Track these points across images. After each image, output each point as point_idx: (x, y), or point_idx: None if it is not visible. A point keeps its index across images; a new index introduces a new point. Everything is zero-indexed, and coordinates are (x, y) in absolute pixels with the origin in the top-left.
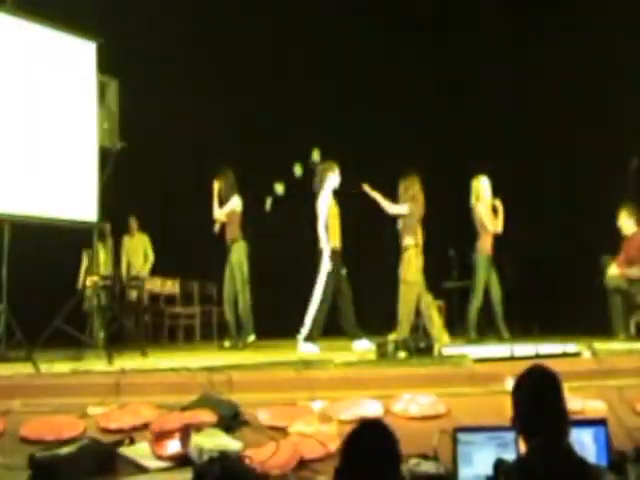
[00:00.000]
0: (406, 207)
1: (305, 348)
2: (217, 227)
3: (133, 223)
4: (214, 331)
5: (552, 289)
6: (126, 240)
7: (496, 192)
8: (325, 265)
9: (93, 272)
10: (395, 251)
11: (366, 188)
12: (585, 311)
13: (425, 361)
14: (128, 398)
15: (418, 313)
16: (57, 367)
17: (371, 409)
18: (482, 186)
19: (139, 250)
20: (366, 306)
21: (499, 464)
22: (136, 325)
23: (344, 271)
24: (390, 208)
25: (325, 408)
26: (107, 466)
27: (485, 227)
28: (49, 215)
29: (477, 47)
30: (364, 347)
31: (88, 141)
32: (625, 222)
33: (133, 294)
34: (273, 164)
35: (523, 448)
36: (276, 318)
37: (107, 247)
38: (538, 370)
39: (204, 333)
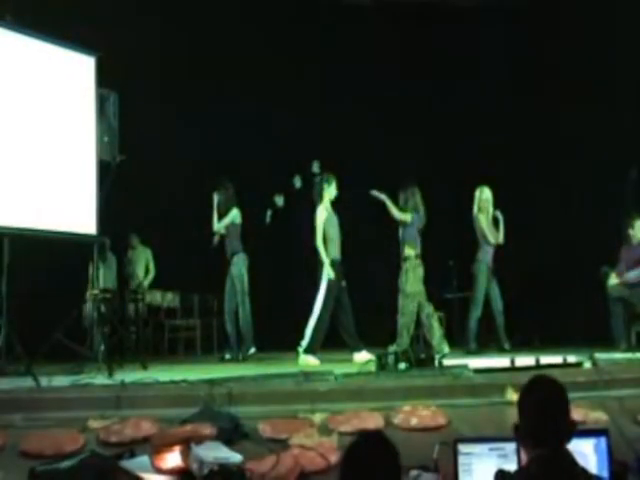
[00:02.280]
0: (409, 216)
1: (305, 360)
2: (216, 239)
3: (134, 239)
4: (214, 344)
5: (553, 300)
6: (129, 254)
7: (496, 203)
8: (325, 277)
9: (93, 285)
10: (395, 262)
11: (374, 192)
12: (586, 321)
13: (425, 372)
14: (128, 411)
15: (419, 324)
16: (57, 381)
17: (371, 421)
18: (484, 197)
19: (141, 263)
20: (367, 317)
21: (500, 475)
22: (136, 338)
23: (344, 282)
24: (396, 214)
25: (325, 420)
26: None
27: (486, 238)
28: (49, 229)
29: (479, 56)
30: (364, 358)
31: (87, 154)
32: (637, 231)
33: (133, 307)
34: (273, 176)
35: (524, 458)
36: (276, 330)
37: (107, 261)
38: (544, 380)
39: (204, 346)
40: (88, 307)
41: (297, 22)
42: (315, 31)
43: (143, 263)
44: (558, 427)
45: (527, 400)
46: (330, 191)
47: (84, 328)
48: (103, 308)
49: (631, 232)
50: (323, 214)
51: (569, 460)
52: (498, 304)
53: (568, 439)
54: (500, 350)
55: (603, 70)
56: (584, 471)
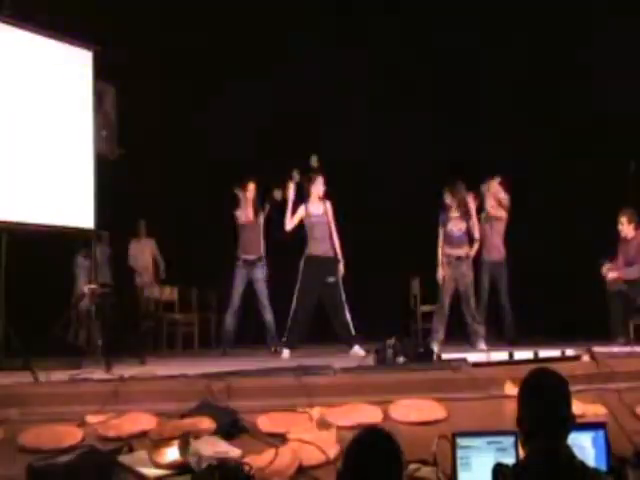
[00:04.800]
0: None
1: (283, 353)
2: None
3: (142, 227)
4: (212, 338)
5: (551, 293)
6: (133, 244)
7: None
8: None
9: (91, 280)
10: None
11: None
12: (584, 315)
13: (424, 366)
14: (127, 406)
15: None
16: (55, 375)
17: (370, 415)
18: (485, 190)
19: (145, 254)
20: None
21: (498, 468)
22: (135, 332)
23: (331, 279)
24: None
25: (324, 414)
26: (106, 474)
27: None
28: (47, 223)
29: (477, 52)
30: (358, 354)
31: (85, 148)
32: (625, 226)
33: (131, 302)
34: (271, 170)
35: (523, 452)
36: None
37: (104, 255)
38: (546, 372)
39: (202, 340)
40: (86, 301)
41: (297, 18)
42: (315, 30)
43: (147, 256)
44: (558, 420)
45: (527, 392)
46: (312, 188)
47: (82, 323)
48: (101, 302)
49: (620, 227)
50: (301, 211)
51: (567, 453)
52: (502, 298)
53: (568, 433)
54: (509, 342)
55: (606, 63)
56: (582, 464)
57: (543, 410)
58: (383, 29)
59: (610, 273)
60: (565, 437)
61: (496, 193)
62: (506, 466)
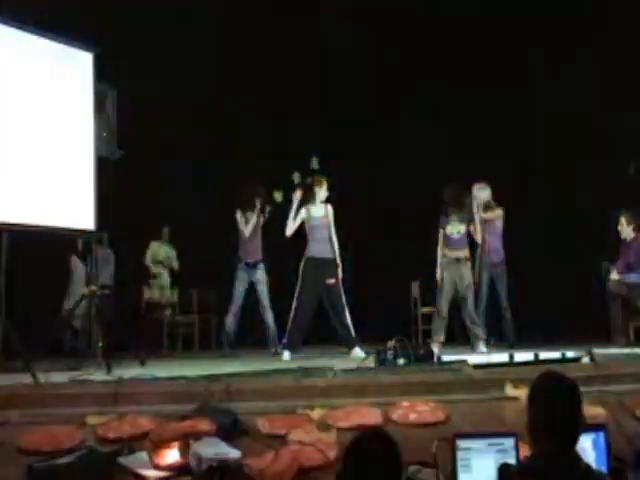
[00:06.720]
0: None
1: (283, 354)
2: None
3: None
4: (213, 340)
5: (551, 295)
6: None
7: (496, 199)
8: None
9: (92, 281)
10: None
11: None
12: (584, 317)
13: (424, 368)
14: (127, 407)
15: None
16: (55, 377)
17: (370, 417)
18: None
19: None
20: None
21: (504, 468)
22: (135, 334)
23: (331, 281)
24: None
25: (324, 416)
26: (106, 476)
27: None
28: (47, 224)
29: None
30: (358, 356)
31: (86, 150)
32: (624, 228)
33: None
34: (271, 172)
35: (523, 454)
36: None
37: (105, 256)
38: (557, 376)
39: (203, 342)
40: (86, 303)
41: (297, 22)
42: (315, 29)
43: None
44: (571, 423)
45: (541, 395)
46: (318, 190)
47: (82, 324)
48: (101, 304)
49: (619, 228)
50: (302, 213)
51: (574, 456)
52: (501, 300)
53: (578, 435)
54: (509, 346)
55: (604, 65)
56: (588, 467)
57: (557, 413)
58: None
59: (612, 274)
60: (576, 440)
61: (487, 200)
62: (512, 466)
